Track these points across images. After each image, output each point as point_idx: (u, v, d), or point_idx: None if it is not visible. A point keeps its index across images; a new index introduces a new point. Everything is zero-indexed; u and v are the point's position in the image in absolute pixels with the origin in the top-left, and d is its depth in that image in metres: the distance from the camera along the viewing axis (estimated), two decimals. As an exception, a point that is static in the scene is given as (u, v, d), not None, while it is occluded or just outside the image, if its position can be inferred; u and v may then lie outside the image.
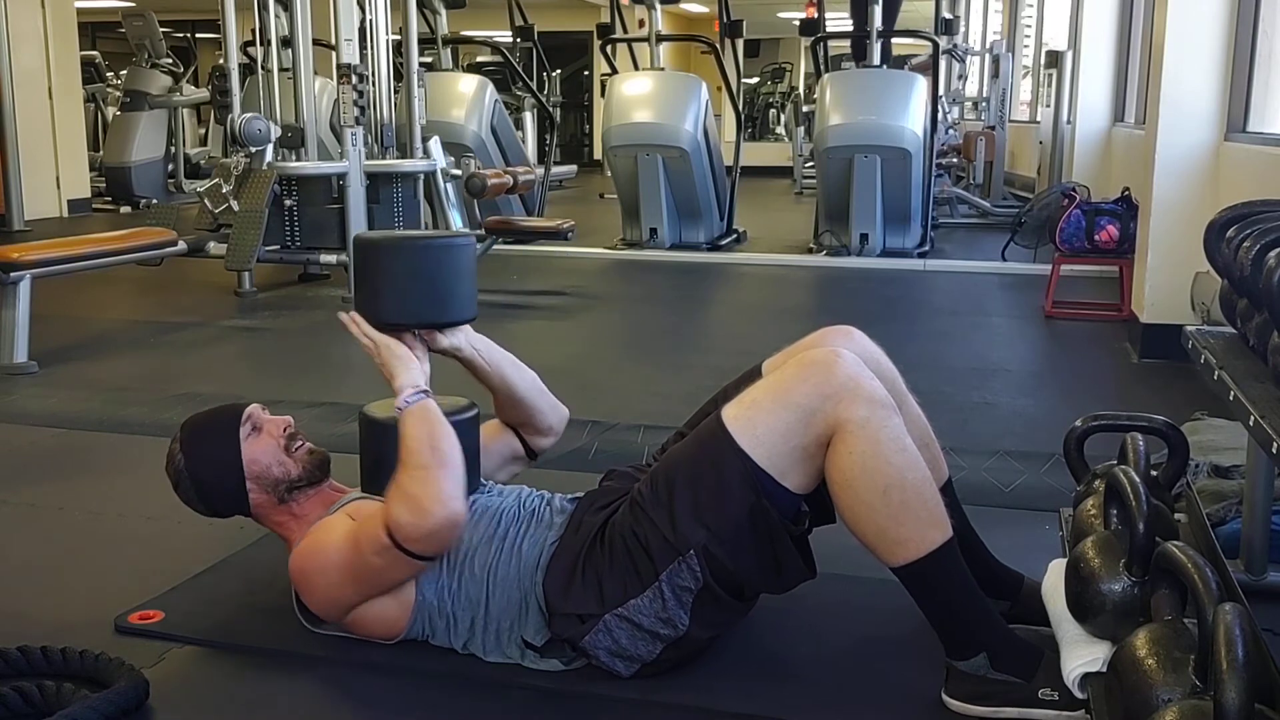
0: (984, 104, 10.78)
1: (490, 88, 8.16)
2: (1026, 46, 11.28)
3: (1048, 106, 8.77)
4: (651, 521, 1.76)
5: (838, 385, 1.70)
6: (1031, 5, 11.17)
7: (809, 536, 1.84)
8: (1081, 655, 1.62)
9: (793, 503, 1.75)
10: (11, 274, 4.11)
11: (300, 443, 2.02)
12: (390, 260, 2.03)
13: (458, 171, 6.32)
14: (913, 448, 1.72)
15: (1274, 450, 1.57)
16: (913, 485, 1.69)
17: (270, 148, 5.87)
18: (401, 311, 2.01)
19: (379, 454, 1.96)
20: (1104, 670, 1.54)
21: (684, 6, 15.66)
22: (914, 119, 6.78)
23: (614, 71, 8.01)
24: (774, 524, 1.73)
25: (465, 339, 2.09)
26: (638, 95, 7.39)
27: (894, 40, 7.77)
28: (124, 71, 11.06)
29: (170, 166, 10.72)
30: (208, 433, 2.01)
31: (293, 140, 5.92)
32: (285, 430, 2.01)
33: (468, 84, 8.08)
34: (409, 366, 1.92)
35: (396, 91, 6.41)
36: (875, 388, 1.72)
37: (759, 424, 1.72)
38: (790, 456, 1.71)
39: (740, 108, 8.57)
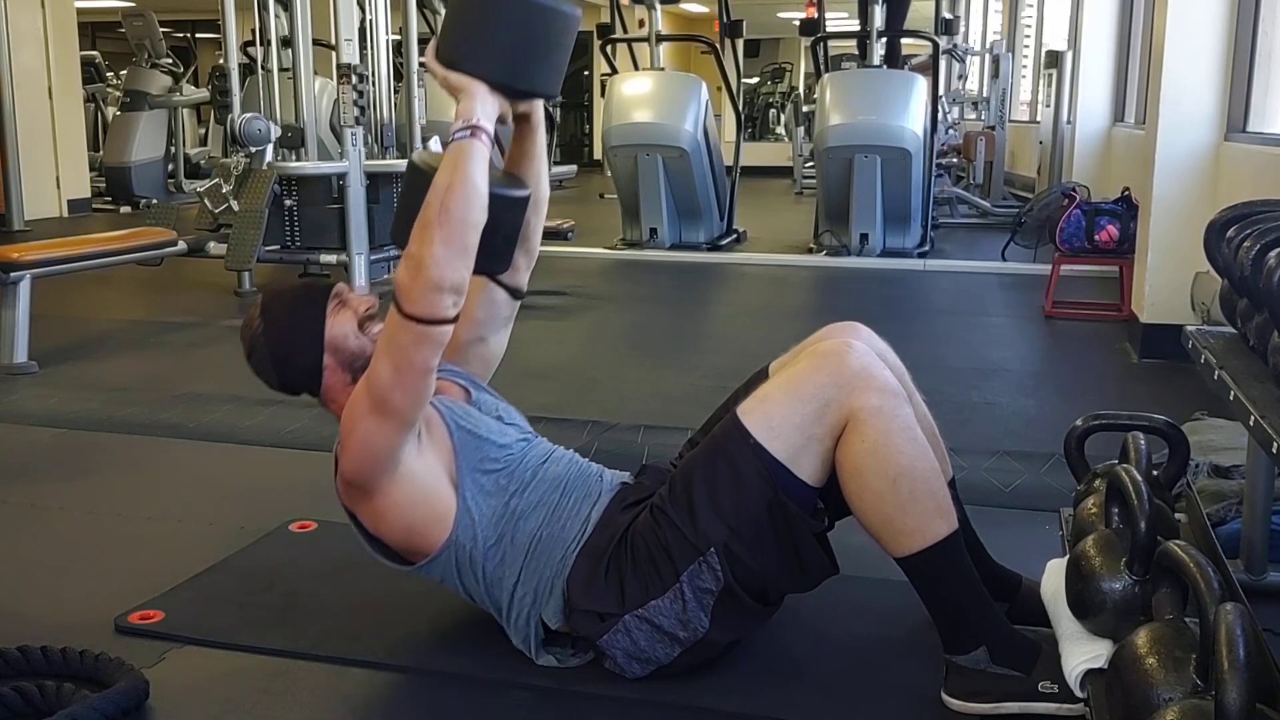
0: (984, 104, 10.77)
1: (490, 88, 8.14)
2: (1026, 46, 11.28)
3: (1048, 106, 8.77)
4: (672, 522, 1.76)
5: (850, 375, 1.71)
6: (1031, 5, 11.17)
7: (829, 533, 1.84)
8: (1084, 652, 1.62)
9: (810, 495, 1.75)
10: (11, 274, 4.11)
11: (378, 326, 1.88)
12: (489, 6, 1.77)
13: (458, 171, 6.31)
14: (923, 438, 1.74)
15: (1274, 450, 1.57)
16: (921, 475, 1.70)
17: (270, 148, 5.87)
18: (483, 63, 1.75)
19: (411, 204, 1.77)
20: (1105, 668, 1.54)
21: (684, 6, 15.66)
22: (914, 119, 6.78)
23: (614, 71, 8.00)
24: (793, 518, 1.73)
25: (538, 110, 1.92)
26: (638, 95, 7.39)
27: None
28: (124, 71, 11.06)
29: (170, 166, 10.72)
30: (294, 302, 1.92)
31: (293, 140, 5.92)
32: (366, 309, 1.93)
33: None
34: (470, 95, 1.73)
35: (396, 91, 6.41)
36: (887, 377, 1.73)
37: (774, 417, 1.73)
38: (806, 449, 1.72)
39: (740, 108, 8.56)
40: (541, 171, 2.01)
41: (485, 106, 1.74)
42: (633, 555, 1.79)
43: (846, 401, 1.70)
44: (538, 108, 1.91)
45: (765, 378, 1.91)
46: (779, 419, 1.72)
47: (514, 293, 2.10)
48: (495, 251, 1.83)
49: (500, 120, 1.80)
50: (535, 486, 1.88)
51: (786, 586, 1.84)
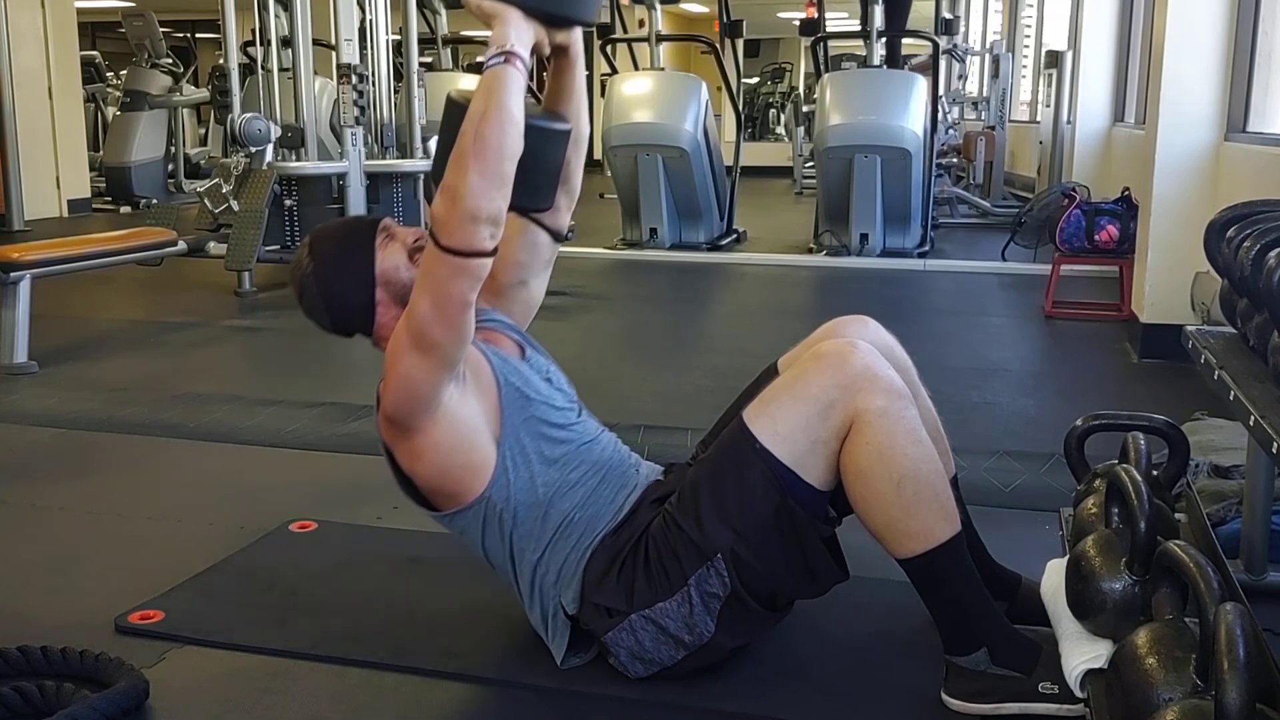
0: (984, 104, 10.77)
1: (490, 88, 8.14)
2: (1026, 46, 11.28)
3: (1048, 106, 8.77)
4: (680, 529, 1.76)
5: (854, 375, 1.70)
6: (1031, 5, 11.17)
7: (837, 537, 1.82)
8: (1084, 653, 1.62)
9: (818, 500, 1.74)
10: (11, 274, 4.11)
11: None
12: None
13: (458, 171, 6.31)
14: (928, 440, 1.73)
15: (1274, 450, 1.56)
16: (926, 478, 1.69)
17: (270, 148, 5.87)
18: None
19: (449, 140, 1.71)
20: (1105, 668, 1.54)
21: (684, 6, 15.66)
22: (914, 119, 6.78)
23: (614, 71, 8.00)
24: (800, 523, 1.72)
25: (577, 42, 1.83)
26: (638, 95, 7.39)
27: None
28: (124, 71, 11.06)
29: (170, 166, 10.72)
30: (342, 239, 1.89)
31: (293, 140, 5.93)
32: (415, 240, 1.86)
33: (467, 84, 8.06)
34: (504, 21, 1.66)
35: (396, 91, 6.42)
36: (892, 378, 1.72)
37: (779, 420, 1.72)
38: (812, 451, 1.71)
39: (740, 108, 8.56)
40: (581, 108, 1.94)
41: (519, 32, 1.66)
42: (645, 557, 1.78)
43: (851, 402, 1.69)
44: (576, 39, 1.81)
45: (775, 374, 1.90)
46: (784, 422, 1.72)
47: (555, 235, 2.03)
48: (537, 188, 1.78)
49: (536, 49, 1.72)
50: (578, 465, 1.86)
51: (795, 592, 1.83)
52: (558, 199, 1.93)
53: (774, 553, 1.73)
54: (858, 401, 1.68)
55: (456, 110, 1.70)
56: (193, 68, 12.83)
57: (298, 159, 5.98)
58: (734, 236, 7.87)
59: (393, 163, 6.07)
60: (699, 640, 1.77)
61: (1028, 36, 11.28)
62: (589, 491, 1.85)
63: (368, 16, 6.08)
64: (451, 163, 1.63)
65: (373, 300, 1.85)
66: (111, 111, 11.06)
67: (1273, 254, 1.69)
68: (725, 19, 8.06)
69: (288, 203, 5.95)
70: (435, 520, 1.88)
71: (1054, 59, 8.59)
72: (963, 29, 11.77)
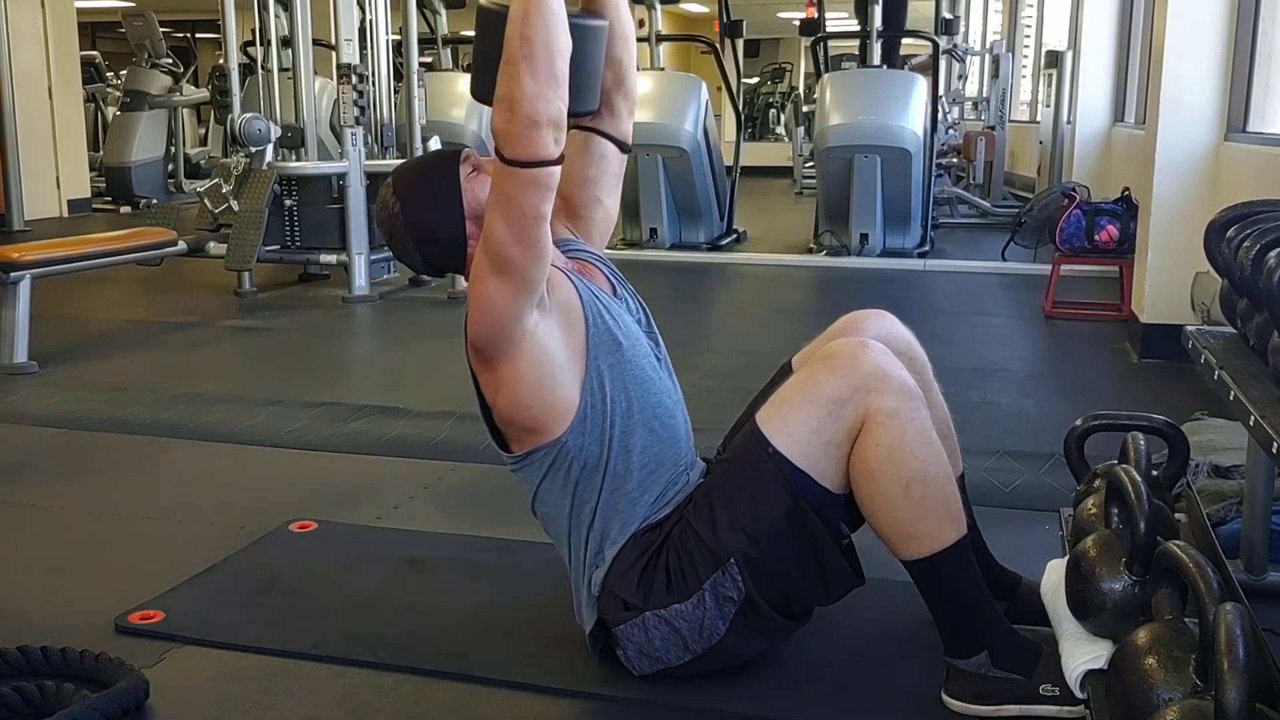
0: (984, 104, 10.77)
1: (490, 87, 8.14)
2: (1026, 46, 11.28)
3: (1048, 106, 8.77)
4: (697, 534, 1.75)
5: (865, 375, 1.68)
6: (1031, 5, 11.17)
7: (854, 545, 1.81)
8: (1084, 653, 1.62)
9: (832, 503, 1.73)
10: (11, 274, 4.11)
11: None
12: None
13: (458, 171, 6.30)
14: (938, 441, 1.71)
15: (1274, 450, 1.57)
16: (934, 481, 1.69)
17: (270, 148, 5.87)
18: None
19: (486, 51, 1.67)
20: (1105, 669, 1.54)
21: (684, 6, 15.66)
22: (914, 119, 6.78)
23: (614, 71, 8.00)
24: (813, 525, 1.71)
25: None
26: (638, 95, 7.39)
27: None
28: (124, 71, 11.06)
29: (170, 166, 10.72)
30: (425, 175, 1.85)
31: (293, 140, 5.93)
32: None
33: (467, 84, 8.07)
34: None
35: (396, 91, 6.41)
36: (904, 378, 1.71)
37: (791, 422, 1.71)
38: (825, 453, 1.70)
39: (740, 108, 8.56)
40: (622, 4, 1.90)
41: None
42: (666, 559, 1.77)
43: (862, 403, 1.67)
44: None
45: (789, 372, 1.89)
46: (796, 425, 1.70)
47: (621, 145, 1.99)
48: (578, 89, 1.73)
49: None
50: (651, 434, 1.81)
51: (808, 596, 1.81)
52: (616, 104, 1.93)
53: (787, 555, 1.72)
54: (869, 402, 1.67)
55: (491, 18, 1.66)
56: (193, 68, 12.83)
57: (298, 159, 5.98)
58: (734, 236, 7.87)
59: (393, 163, 6.06)
60: (708, 643, 1.76)
61: (1028, 36, 11.28)
62: (649, 473, 1.81)
63: (368, 16, 6.08)
64: (501, 73, 1.60)
65: (464, 235, 1.81)
66: (111, 111, 11.07)
67: (1273, 254, 1.69)
68: (725, 19, 8.06)
69: (288, 203, 5.95)
70: (504, 460, 1.85)
71: (1054, 59, 8.59)
72: (963, 29, 11.77)
